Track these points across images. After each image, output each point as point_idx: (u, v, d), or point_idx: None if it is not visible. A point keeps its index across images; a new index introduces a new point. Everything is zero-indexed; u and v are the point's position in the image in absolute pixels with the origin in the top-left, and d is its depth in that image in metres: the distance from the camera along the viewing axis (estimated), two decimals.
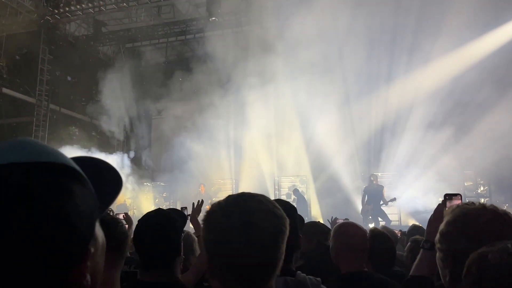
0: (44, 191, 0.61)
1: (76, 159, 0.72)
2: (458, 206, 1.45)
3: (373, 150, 13.65)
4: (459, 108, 11.82)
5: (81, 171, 0.67)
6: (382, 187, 11.91)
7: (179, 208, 3.62)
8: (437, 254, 1.38)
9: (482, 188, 12.29)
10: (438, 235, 1.38)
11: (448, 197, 2.02)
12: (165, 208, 2.52)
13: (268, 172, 14.52)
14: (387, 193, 11.91)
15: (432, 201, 12.00)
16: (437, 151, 12.12)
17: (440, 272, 1.38)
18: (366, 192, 11.99)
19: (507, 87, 10.97)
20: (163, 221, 2.04)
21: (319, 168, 13.73)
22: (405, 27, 11.82)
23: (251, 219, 1.08)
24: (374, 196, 11.70)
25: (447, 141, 11.97)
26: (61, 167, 0.65)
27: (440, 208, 1.93)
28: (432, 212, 1.96)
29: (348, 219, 6.65)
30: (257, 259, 1.08)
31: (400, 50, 12.26)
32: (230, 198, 1.16)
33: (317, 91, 12.76)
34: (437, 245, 1.37)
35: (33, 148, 0.66)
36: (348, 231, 2.52)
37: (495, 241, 1.16)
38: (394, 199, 11.49)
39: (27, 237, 0.58)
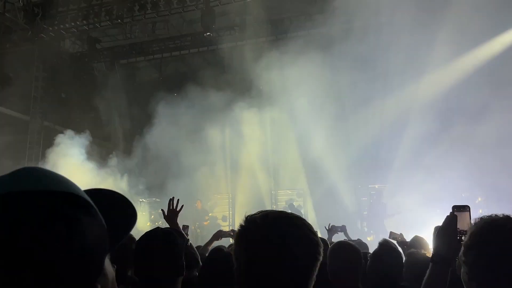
0: (48, 220, 0.58)
1: (89, 191, 0.69)
2: (481, 218, 1.42)
3: (370, 162, 13.64)
4: (455, 119, 11.87)
5: (91, 201, 0.64)
6: (385, 204, 12.04)
7: (181, 221, 3.56)
8: (462, 268, 1.35)
9: (479, 199, 12.27)
10: (463, 248, 1.36)
11: (456, 209, 1.97)
12: (160, 224, 2.46)
13: (264, 186, 14.45)
14: (386, 201, 11.99)
15: (430, 213, 11.97)
16: (434, 162, 12.12)
17: (465, 286, 1.35)
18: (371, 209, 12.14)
19: (503, 97, 11.03)
20: (164, 240, 1.97)
21: (316, 181, 13.69)
22: (400, 39, 11.91)
23: (287, 245, 1.07)
24: (378, 212, 11.84)
25: (444, 152, 11.99)
26: (69, 196, 0.62)
27: (448, 220, 1.88)
28: (440, 225, 1.91)
29: (345, 226, 6.63)
30: (290, 284, 1.08)
31: (395, 61, 12.34)
32: (267, 217, 1.13)
33: (312, 104, 12.79)
34: (462, 259, 1.34)
35: (41, 177, 0.63)
36: (344, 251, 2.62)
37: None
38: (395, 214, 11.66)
39: (26, 268, 0.54)
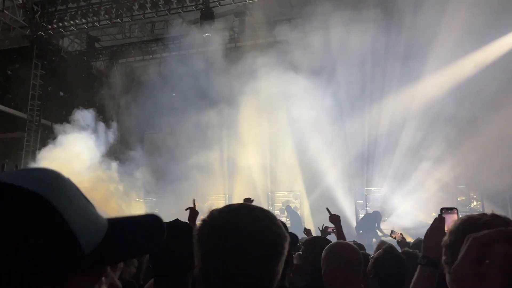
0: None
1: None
2: (460, 218, 1.42)
3: (366, 165, 13.68)
4: (451, 123, 11.92)
5: (53, 201, 0.62)
6: (380, 215, 12.00)
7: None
8: (445, 269, 1.35)
9: (475, 203, 12.32)
10: (443, 249, 1.35)
11: (445, 211, 2.00)
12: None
13: (261, 187, 14.46)
14: (381, 207, 11.96)
15: (424, 217, 12.01)
16: (429, 166, 12.17)
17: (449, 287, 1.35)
18: (365, 218, 12.10)
19: (497, 103, 11.09)
20: (184, 230, 1.98)
21: (313, 183, 13.72)
22: (397, 44, 11.97)
23: (243, 240, 1.01)
24: (370, 223, 11.79)
25: (440, 156, 12.04)
26: (23, 191, 0.61)
27: (437, 222, 1.90)
28: (429, 227, 1.93)
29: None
30: (249, 280, 1.02)
31: (392, 66, 12.40)
32: (224, 211, 1.09)
33: (310, 107, 12.82)
34: (443, 259, 1.34)
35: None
36: (341, 251, 2.39)
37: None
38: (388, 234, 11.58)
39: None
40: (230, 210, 1.09)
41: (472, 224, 1.32)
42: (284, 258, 1.06)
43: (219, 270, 1.02)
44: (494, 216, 1.33)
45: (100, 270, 0.68)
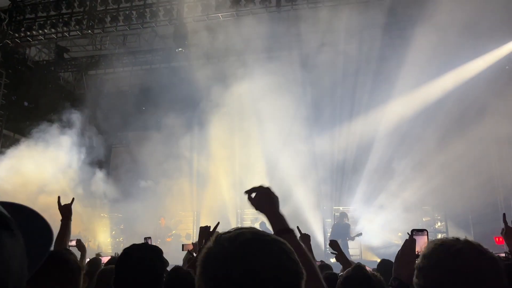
0: None
1: None
2: (433, 241, 1.44)
3: (335, 184, 13.83)
4: (417, 145, 12.25)
5: (12, 219, 0.54)
6: (349, 225, 12.04)
7: (142, 238, 3.47)
8: None
9: (439, 224, 12.62)
10: (415, 271, 1.36)
11: (415, 232, 2.02)
12: (121, 241, 2.39)
13: (230, 204, 14.35)
14: (349, 223, 12.05)
15: (391, 236, 12.20)
16: (396, 187, 12.42)
17: None
18: (334, 229, 12.07)
19: (464, 125, 11.49)
20: (148, 256, 1.92)
21: (282, 201, 13.59)
22: (367, 66, 12.30)
23: (253, 278, 0.88)
24: (342, 232, 11.79)
25: (406, 177, 12.32)
26: None
27: (408, 243, 1.91)
28: (400, 248, 1.94)
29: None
30: None
31: (362, 88, 12.71)
32: (235, 240, 0.94)
33: (280, 126, 12.93)
34: (415, 281, 1.35)
35: None
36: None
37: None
38: (360, 234, 11.61)
39: None
40: (242, 241, 0.95)
41: (446, 250, 1.33)
42: None
43: None
44: (467, 242, 1.35)
45: None
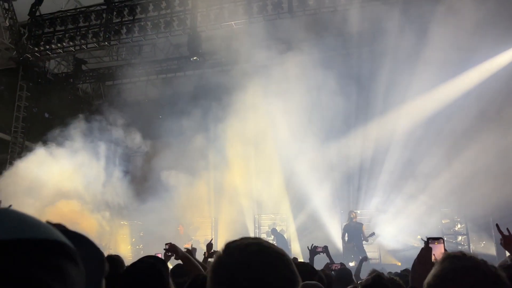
0: (39, 275, 0.51)
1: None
2: (448, 257, 1.41)
3: (352, 188, 13.76)
4: (435, 147, 12.13)
5: (75, 250, 0.57)
6: (361, 224, 11.91)
7: (163, 244, 3.51)
8: None
9: (459, 226, 12.44)
10: (425, 286, 1.36)
11: (431, 240, 2.03)
12: (141, 248, 2.47)
13: (248, 210, 14.40)
14: (366, 230, 11.92)
15: (410, 239, 12.07)
16: (414, 189, 12.31)
17: None
18: (345, 229, 11.98)
19: (482, 126, 11.33)
20: (151, 273, 1.97)
21: (299, 206, 13.71)
22: (382, 67, 12.24)
23: (254, 283, 1.03)
24: (354, 233, 11.68)
25: (425, 179, 12.19)
26: (55, 244, 0.55)
27: (424, 252, 1.94)
28: (416, 257, 1.96)
29: (327, 247, 6.59)
30: None
31: (377, 90, 12.65)
32: (244, 253, 1.07)
33: (296, 130, 12.94)
34: None
35: (17, 222, 0.55)
36: None
37: None
38: (373, 234, 11.47)
39: None
40: (250, 252, 1.07)
41: (461, 281, 1.31)
42: None
43: None
44: (484, 274, 1.31)
45: None
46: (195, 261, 3.44)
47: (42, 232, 0.55)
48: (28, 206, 11.89)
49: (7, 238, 0.51)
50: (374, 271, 3.52)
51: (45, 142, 13.99)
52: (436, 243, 2.04)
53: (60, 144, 13.94)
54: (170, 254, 3.36)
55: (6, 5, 13.90)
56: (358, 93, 12.79)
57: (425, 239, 2.05)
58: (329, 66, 12.28)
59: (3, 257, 0.50)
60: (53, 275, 0.52)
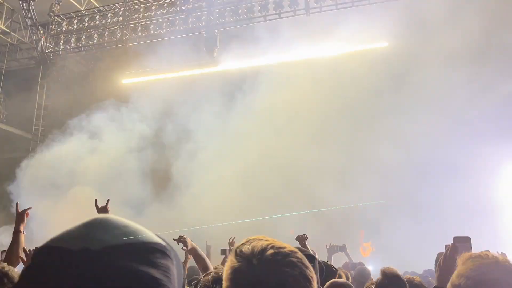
0: (153, 273, 0.59)
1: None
2: (471, 257, 1.38)
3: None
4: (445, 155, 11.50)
5: (174, 252, 0.66)
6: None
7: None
8: None
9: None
10: (449, 285, 1.32)
11: (458, 240, 1.94)
12: None
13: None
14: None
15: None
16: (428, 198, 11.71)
17: None
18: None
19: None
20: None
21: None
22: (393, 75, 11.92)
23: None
24: None
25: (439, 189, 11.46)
26: (159, 246, 0.63)
27: (450, 252, 1.85)
28: (442, 257, 1.88)
29: (345, 245, 6.49)
30: None
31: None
32: (262, 257, 1.06)
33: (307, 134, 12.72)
34: None
35: (123, 228, 0.63)
36: None
37: None
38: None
39: None
40: (268, 256, 1.07)
41: (485, 279, 1.27)
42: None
43: None
44: (508, 270, 1.29)
45: None
46: (202, 253, 3.72)
47: (145, 236, 0.63)
48: (49, 197, 12.13)
49: (119, 243, 0.59)
50: (391, 272, 3.39)
51: (63, 133, 14.10)
52: (463, 242, 1.95)
53: (79, 133, 14.03)
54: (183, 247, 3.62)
55: (25, 5, 14.11)
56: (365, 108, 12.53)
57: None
58: (343, 69, 12.16)
59: (120, 258, 0.58)
60: (163, 273, 0.60)
